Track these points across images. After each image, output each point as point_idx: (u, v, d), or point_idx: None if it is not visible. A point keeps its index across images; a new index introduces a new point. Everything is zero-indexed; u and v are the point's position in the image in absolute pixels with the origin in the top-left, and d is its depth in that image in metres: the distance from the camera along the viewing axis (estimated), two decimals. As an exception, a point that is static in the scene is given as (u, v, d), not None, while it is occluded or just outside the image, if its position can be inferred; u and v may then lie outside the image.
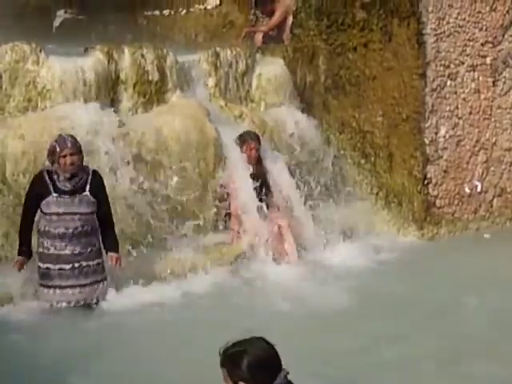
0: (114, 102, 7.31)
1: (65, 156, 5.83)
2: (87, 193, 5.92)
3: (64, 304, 5.91)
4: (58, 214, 5.86)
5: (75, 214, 5.89)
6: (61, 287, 5.90)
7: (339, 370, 4.94)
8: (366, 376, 4.94)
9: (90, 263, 5.98)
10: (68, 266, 5.90)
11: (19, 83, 6.87)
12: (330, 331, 5.55)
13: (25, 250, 5.97)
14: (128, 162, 6.88)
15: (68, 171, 5.86)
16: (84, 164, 6.05)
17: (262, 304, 6.11)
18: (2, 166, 6.51)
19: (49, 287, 5.92)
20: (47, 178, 5.91)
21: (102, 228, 6.07)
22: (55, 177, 5.89)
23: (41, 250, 5.96)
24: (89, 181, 5.96)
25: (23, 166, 6.53)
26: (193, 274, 6.66)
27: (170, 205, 7.10)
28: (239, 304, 6.12)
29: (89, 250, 5.97)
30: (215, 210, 7.42)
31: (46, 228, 5.92)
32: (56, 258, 5.91)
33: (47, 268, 5.92)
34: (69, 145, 5.87)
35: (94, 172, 6.06)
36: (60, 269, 5.89)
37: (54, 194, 5.86)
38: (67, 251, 5.90)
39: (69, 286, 5.91)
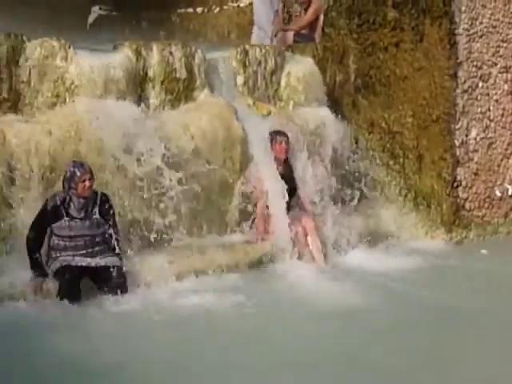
0: (141, 99, 7.29)
1: (84, 181, 6.07)
2: (97, 215, 6.16)
3: None
4: (69, 237, 6.09)
5: (86, 235, 6.11)
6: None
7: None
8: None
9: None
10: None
11: (47, 79, 6.86)
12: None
13: (40, 272, 6.04)
14: (155, 160, 6.88)
15: (85, 194, 6.08)
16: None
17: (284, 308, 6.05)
18: (30, 161, 6.53)
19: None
20: (61, 206, 6.08)
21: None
22: (67, 205, 6.08)
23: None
24: (98, 203, 6.18)
25: (50, 161, 6.55)
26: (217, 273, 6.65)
27: (197, 203, 7.09)
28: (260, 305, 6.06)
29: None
30: (241, 208, 7.40)
31: (56, 242, 6.12)
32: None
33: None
34: (87, 169, 6.12)
35: (102, 194, 6.27)
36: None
37: (66, 218, 6.08)
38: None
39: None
